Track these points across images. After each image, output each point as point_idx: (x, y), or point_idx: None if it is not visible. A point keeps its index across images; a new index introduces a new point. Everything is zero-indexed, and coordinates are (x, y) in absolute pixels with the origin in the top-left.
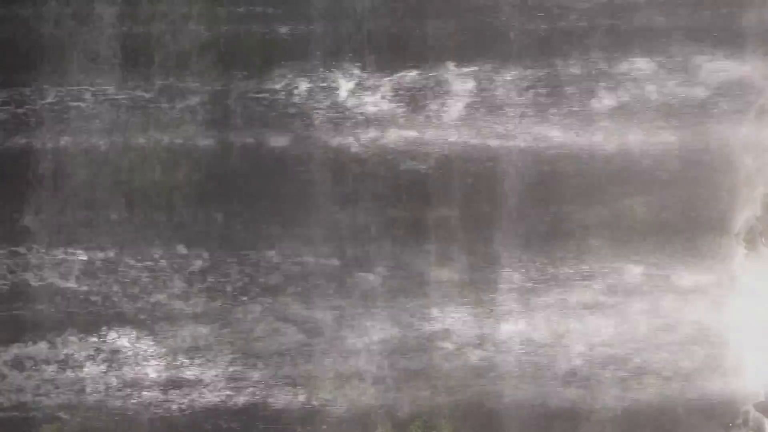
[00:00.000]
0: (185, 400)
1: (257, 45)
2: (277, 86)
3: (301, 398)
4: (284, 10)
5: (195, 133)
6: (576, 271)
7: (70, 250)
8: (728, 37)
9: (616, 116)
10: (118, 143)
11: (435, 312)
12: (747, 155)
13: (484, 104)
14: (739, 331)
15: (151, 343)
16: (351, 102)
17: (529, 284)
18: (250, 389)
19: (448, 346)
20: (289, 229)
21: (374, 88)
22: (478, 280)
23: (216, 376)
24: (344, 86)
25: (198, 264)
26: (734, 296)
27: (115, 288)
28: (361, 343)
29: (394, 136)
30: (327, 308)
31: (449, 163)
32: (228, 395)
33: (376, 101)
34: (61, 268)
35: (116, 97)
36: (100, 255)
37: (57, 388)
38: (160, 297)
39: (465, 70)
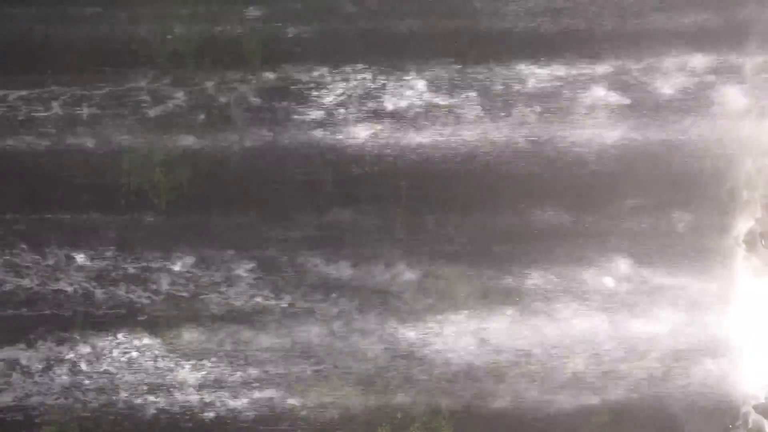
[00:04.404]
0: (187, 402)
1: None
2: None
3: (302, 400)
4: None
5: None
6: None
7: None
8: None
9: None
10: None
11: None
12: (747, 157)
13: None
14: (739, 332)
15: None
16: None
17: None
18: (251, 391)
19: None
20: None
21: None
22: None
23: (218, 378)
24: None
25: None
26: (734, 297)
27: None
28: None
29: None
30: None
31: None
32: (230, 396)
33: None
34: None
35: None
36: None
37: (57, 389)
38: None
39: None
